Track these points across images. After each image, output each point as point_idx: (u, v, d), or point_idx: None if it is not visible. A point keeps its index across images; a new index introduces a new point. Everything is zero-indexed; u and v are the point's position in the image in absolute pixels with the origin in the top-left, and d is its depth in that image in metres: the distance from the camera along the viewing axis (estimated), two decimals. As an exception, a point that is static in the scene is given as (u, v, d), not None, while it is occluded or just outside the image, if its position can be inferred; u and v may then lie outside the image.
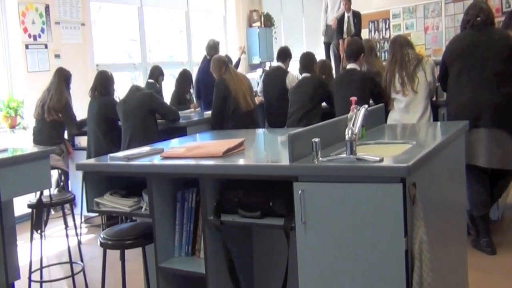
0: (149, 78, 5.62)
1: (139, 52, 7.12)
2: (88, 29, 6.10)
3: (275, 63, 5.41)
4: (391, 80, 3.75)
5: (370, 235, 1.68)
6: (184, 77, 5.58)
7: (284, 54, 5.12)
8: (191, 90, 5.77)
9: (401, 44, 3.79)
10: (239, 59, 6.54)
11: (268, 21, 9.32)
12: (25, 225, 4.38)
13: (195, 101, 5.69)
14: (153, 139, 3.80)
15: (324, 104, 4.31)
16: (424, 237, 1.62)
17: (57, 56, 5.70)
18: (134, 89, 4.16)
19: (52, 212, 4.68)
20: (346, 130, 1.84)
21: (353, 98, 2.43)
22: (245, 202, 2.06)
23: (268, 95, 5.08)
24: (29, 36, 5.51)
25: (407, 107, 3.67)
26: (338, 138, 2.17)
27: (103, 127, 4.32)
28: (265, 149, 2.73)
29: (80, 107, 4.93)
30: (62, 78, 4.60)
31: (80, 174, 3.81)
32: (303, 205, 1.80)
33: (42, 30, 5.61)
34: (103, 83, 4.37)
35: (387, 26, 8.59)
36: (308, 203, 1.80)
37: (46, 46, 5.63)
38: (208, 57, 5.63)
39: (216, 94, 4.39)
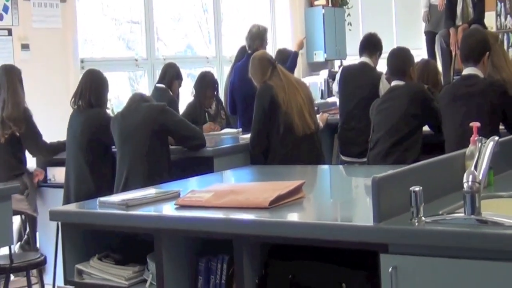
0: (159, 81, 5.74)
1: (144, 41, 7.30)
2: (70, 7, 6.31)
3: (349, 60, 5.41)
4: (533, 94, 3.69)
5: None
6: (203, 83, 5.62)
7: (373, 45, 5.12)
8: (222, 102, 5.84)
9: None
10: (296, 55, 6.52)
11: (338, -2, 9.42)
12: (-30, 297, 4.48)
13: (223, 117, 5.75)
14: (163, 176, 3.85)
15: (426, 128, 4.28)
16: None
17: (25, 46, 5.91)
18: (138, 99, 4.25)
19: (13, 277, 4.77)
20: (465, 175, 1.83)
21: (475, 124, 2.41)
22: (304, 280, 2.06)
23: (345, 106, 5.06)
24: (-13, 17, 5.76)
25: (560, 138, 3.59)
26: (451, 186, 2.15)
27: (90, 154, 4.42)
28: (335, 198, 2.73)
29: (56, 124, 5.07)
30: (15, 75, 4.71)
31: (53, 223, 3.90)
32: (396, 290, 1.79)
33: (5, 9, 5.85)
34: (93, 89, 4.48)
35: (525, 8, 8.46)
36: (403, 286, 1.78)
37: (9, 32, 5.86)
38: (249, 51, 5.68)
39: (258, 109, 4.43)
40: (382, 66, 5.39)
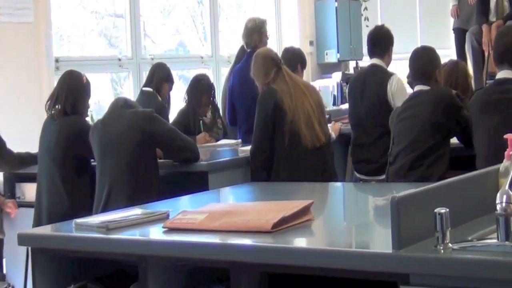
0: (146, 84, 5.75)
1: (128, 38, 7.32)
2: (44, -1, 6.36)
3: (366, 61, 5.42)
4: None
5: None
6: (198, 88, 5.62)
7: (381, 40, 5.17)
8: (219, 110, 5.84)
9: None
10: None
11: (353, -10, 9.45)
12: None
13: (220, 127, 5.75)
14: (150, 193, 3.87)
15: (454, 140, 4.28)
16: None
17: (-10, 44, 5.95)
18: (121, 105, 4.26)
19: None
20: (499, 195, 1.84)
21: (510, 136, 2.41)
22: (312, 316, 2.06)
23: (357, 117, 5.12)
24: None
25: None
26: (482, 207, 2.16)
27: (65, 168, 4.41)
28: (348, 221, 2.74)
29: (27, 133, 5.07)
30: None
31: (22, 248, 3.90)
32: (418, 328, 1.80)
33: (-32, 0, 5.88)
34: (71, 94, 4.46)
35: None
36: (426, 325, 1.80)
37: (-27, 27, 5.90)
38: (248, 50, 5.71)
39: (260, 115, 4.43)
40: (400, 67, 5.41)
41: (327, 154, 4.47)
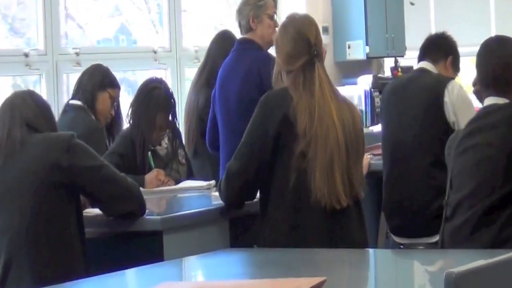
0: (74, 95, 5.81)
1: (41, 22, 7.34)
2: None
3: (410, 57, 5.49)
4: None
5: None
6: (149, 100, 5.60)
7: (440, 46, 5.35)
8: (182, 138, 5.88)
9: None
10: None
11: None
12: None
13: (181, 161, 5.76)
14: (72, 267, 3.91)
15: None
16: None
17: None
18: (27, 128, 4.28)
19: None
20: None
21: None
22: None
23: (393, 144, 5.21)
24: None
25: None
26: None
27: None
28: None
29: None
30: None
31: None
32: None
33: None
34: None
35: None
36: None
37: None
38: (243, 35, 5.76)
39: (256, 122, 4.27)
40: (463, 67, 5.47)
41: (352, 217, 4.33)
